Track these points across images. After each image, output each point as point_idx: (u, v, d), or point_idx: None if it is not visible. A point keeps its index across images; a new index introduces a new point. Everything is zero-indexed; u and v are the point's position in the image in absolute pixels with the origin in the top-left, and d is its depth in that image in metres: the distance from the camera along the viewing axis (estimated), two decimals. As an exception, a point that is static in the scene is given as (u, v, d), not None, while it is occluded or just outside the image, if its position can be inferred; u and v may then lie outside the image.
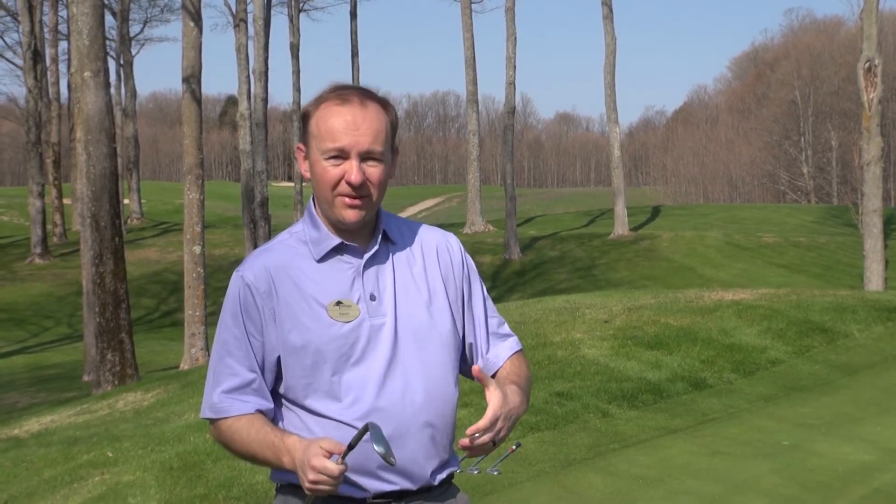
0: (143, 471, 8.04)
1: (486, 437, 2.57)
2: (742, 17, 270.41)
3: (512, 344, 2.92)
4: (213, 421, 2.72)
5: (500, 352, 2.90)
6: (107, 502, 7.38)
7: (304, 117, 2.72)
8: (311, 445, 2.47)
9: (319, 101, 2.69)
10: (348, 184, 2.61)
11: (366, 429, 2.44)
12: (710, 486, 6.95)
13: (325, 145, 2.62)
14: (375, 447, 2.39)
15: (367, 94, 2.69)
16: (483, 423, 2.54)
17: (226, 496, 6.99)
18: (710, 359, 11.07)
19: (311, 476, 2.43)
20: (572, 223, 49.32)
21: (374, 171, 2.64)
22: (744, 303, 13.54)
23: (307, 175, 2.73)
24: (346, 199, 2.63)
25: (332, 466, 2.42)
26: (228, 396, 2.67)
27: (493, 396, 2.58)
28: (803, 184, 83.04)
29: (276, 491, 2.77)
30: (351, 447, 2.45)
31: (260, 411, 2.68)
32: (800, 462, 7.55)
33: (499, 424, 2.57)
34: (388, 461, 2.39)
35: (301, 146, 2.75)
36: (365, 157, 2.63)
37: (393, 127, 2.72)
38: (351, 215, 2.65)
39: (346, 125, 2.61)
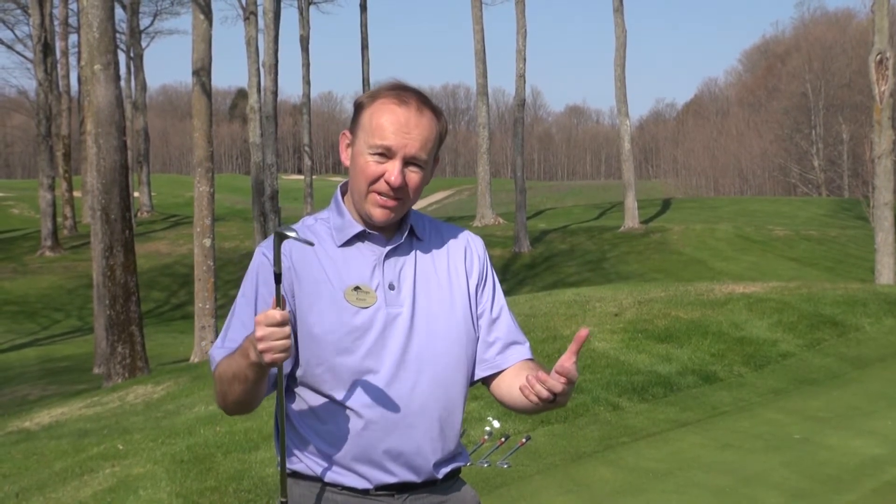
0: (153, 463, 8.07)
1: (557, 384, 2.49)
2: (753, 9, 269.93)
3: (526, 349, 2.89)
4: (214, 377, 2.73)
5: (517, 350, 2.86)
6: (117, 494, 7.40)
7: (357, 107, 2.72)
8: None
9: (377, 95, 2.69)
10: (387, 183, 2.62)
11: (281, 238, 2.43)
12: (721, 480, 6.94)
13: (373, 140, 2.63)
14: (290, 234, 2.40)
15: (424, 101, 2.69)
16: (572, 370, 2.48)
17: (236, 489, 7.00)
18: (721, 352, 11.05)
19: (259, 332, 2.37)
20: (582, 216, 49.31)
21: (413, 176, 2.66)
22: (754, 296, 13.51)
23: (347, 162, 2.74)
24: (379, 198, 2.64)
25: (272, 311, 2.38)
26: (224, 350, 2.68)
27: (571, 359, 2.49)
28: (814, 177, 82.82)
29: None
30: (277, 279, 2.44)
31: None
32: (810, 455, 7.54)
33: (568, 382, 2.50)
34: (309, 243, 2.43)
35: (347, 133, 2.75)
36: (408, 161, 2.63)
37: (441, 137, 2.73)
38: (380, 214, 2.66)
39: (399, 126, 2.62)
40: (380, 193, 2.64)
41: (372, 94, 2.71)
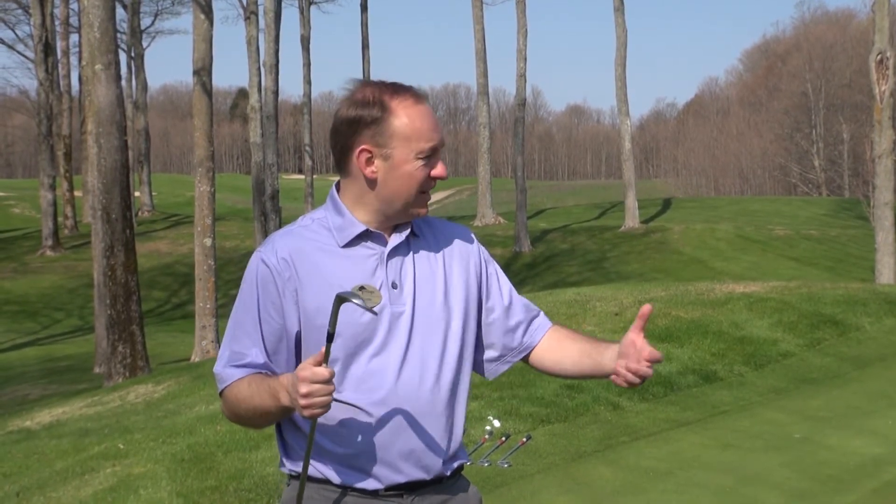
0: (154, 463, 8.07)
1: (645, 368, 2.62)
2: (754, 9, 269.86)
3: (544, 318, 2.98)
4: (222, 393, 2.73)
5: (540, 323, 2.95)
6: (118, 494, 7.40)
7: (372, 121, 2.65)
8: (298, 367, 2.47)
9: (386, 100, 2.65)
10: (437, 179, 2.69)
11: (340, 301, 2.46)
12: (721, 479, 6.94)
13: (421, 146, 2.64)
14: (356, 301, 2.44)
15: None
16: (655, 353, 2.61)
17: (236, 488, 7.00)
18: (721, 351, 11.05)
19: (304, 389, 2.40)
20: (583, 216, 49.30)
21: None
22: (755, 295, 13.51)
23: (374, 176, 2.66)
24: (423, 196, 2.71)
25: (320, 370, 2.41)
26: (235, 367, 2.69)
27: (640, 337, 2.66)
28: (814, 176, 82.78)
29: (287, 482, 2.78)
30: (330, 337, 2.47)
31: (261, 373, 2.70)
32: (810, 455, 7.54)
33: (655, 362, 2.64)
34: (372, 312, 2.48)
35: (368, 147, 2.66)
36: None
37: None
38: (425, 209, 2.75)
39: (431, 123, 2.67)
40: (426, 191, 2.71)
41: (378, 102, 2.65)
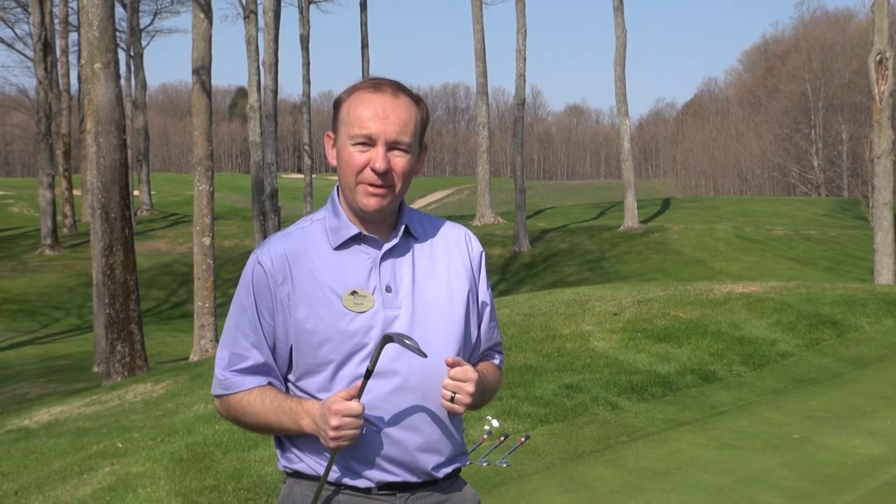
0: (152, 462, 8.06)
1: (449, 383, 2.62)
2: (753, 9, 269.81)
3: (497, 360, 2.99)
4: (221, 396, 2.74)
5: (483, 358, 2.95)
6: (116, 493, 7.40)
7: (336, 104, 2.72)
8: (329, 397, 2.54)
9: (353, 89, 2.70)
10: (373, 170, 2.61)
11: (386, 340, 2.52)
12: (720, 479, 6.94)
13: (353, 131, 2.62)
14: (408, 341, 2.49)
15: (400, 87, 2.70)
16: (462, 370, 2.61)
17: (235, 487, 7.00)
18: (720, 352, 11.05)
19: (335, 422, 2.47)
20: (582, 215, 49.29)
21: (399, 160, 2.64)
22: (754, 296, 13.51)
23: (333, 162, 2.73)
24: (369, 188, 2.63)
25: (354, 405, 2.48)
26: (238, 374, 2.70)
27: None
28: (814, 177, 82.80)
29: (283, 479, 2.79)
30: (369, 374, 2.52)
31: (271, 384, 2.71)
32: (809, 455, 7.54)
33: (465, 375, 2.61)
34: (421, 353, 2.50)
35: (330, 133, 2.75)
36: (392, 146, 2.63)
37: (423, 123, 2.72)
38: (372, 203, 2.64)
39: (376, 113, 2.61)
40: (368, 183, 2.63)
41: (349, 89, 2.71)
